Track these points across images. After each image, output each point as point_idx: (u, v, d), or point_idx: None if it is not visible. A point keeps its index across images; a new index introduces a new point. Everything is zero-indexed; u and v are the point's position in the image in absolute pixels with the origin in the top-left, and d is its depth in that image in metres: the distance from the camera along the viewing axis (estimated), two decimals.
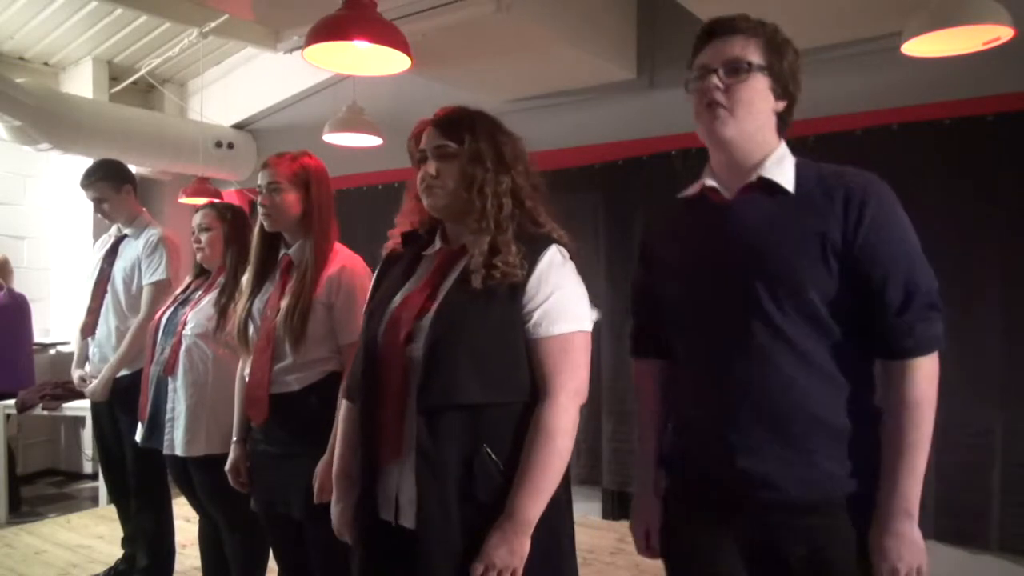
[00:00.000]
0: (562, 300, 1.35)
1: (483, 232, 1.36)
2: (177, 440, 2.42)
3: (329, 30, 1.97)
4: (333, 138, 3.72)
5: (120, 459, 3.04)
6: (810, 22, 3.02)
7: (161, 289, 2.98)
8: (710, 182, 1.33)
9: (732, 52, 1.25)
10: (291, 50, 4.14)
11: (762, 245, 1.24)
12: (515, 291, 1.32)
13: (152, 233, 3.11)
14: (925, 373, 1.22)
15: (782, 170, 1.27)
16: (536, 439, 1.32)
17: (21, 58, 5.08)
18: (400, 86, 3.98)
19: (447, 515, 1.30)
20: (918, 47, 2.35)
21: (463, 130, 1.39)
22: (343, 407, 1.62)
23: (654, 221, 1.52)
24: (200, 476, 2.41)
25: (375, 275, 1.59)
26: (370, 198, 4.72)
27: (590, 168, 4.01)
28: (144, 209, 3.25)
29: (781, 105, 1.29)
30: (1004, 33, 2.23)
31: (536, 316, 1.34)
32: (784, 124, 1.32)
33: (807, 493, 1.23)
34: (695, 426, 1.36)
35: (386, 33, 2.01)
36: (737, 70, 1.24)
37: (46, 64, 5.25)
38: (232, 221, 2.54)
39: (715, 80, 1.24)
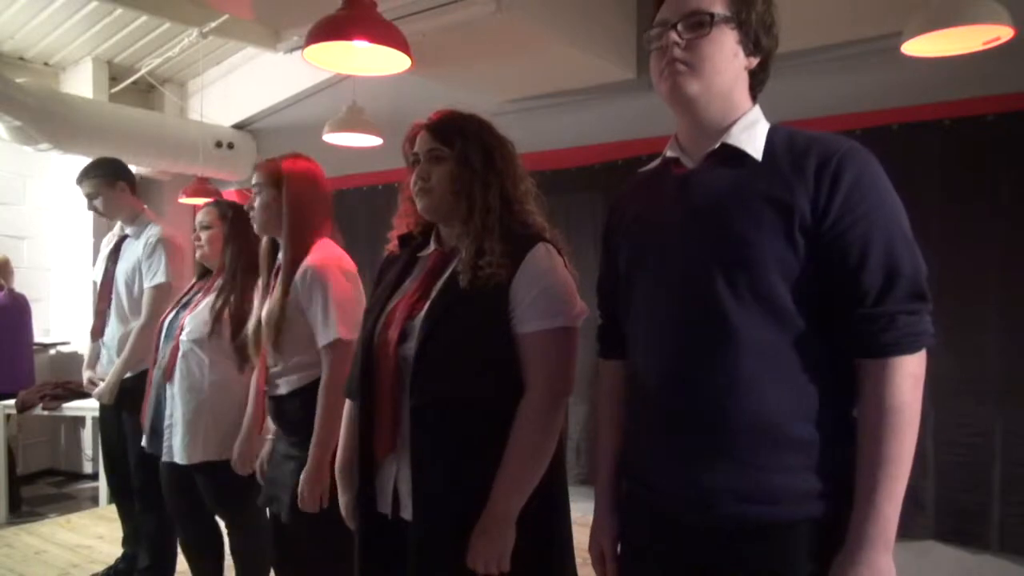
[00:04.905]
0: (547, 297, 1.38)
1: (471, 234, 1.40)
2: (176, 447, 2.41)
3: (329, 30, 1.97)
4: (333, 138, 3.72)
5: (123, 460, 3.04)
6: (810, 22, 3.02)
7: (162, 292, 2.94)
8: (671, 152, 1.20)
9: (692, 3, 1.10)
10: (291, 50, 4.14)
11: (717, 219, 1.08)
12: (501, 290, 1.36)
13: (151, 233, 3.04)
14: (908, 375, 1.02)
15: (751, 136, 1.12)
16: (518, 433, 1.36)
17: (21, 58, 5.08)
18: (400, 86, 3.97)
19: (441, 508, 1.35)
20: (918, 47, 2.35)
21: (454, 134, 1.43)
22: (346, 404, 1.64)
23: (614, 204, 1.34)
24: (203, 481, 2.41)
25: (381, 269, 1.60)
26: (370, 198, 4.72)
27: (590, 168, 4.01)
28: (145, 207, 3.20)
29: (754, 62, 1.14)
30: (1004, 33, 2.23)
31: (520, 313, 1.37)
32: (759, 83, 1.17)
33: (752, 515, 1.05)
34: (636, 431, 1.22)
35: (386, 33, 2.01)
36: (699, 24, 1.09)
37: (46, 64, 5.25)
38: (233, 220, 2.51)
39: (674, 36, 1.10)
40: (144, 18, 4.53)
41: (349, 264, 2.00)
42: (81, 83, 5.13)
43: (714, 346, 1.06)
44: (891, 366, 1.02)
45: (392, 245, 1.60)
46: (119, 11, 4.39)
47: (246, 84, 5.25)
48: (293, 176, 2.00)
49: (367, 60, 2.22)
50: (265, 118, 5.37)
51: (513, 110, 4.14)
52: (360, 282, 2.01)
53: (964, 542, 3.03)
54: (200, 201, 4.36)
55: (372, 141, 3.76)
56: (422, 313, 1.39)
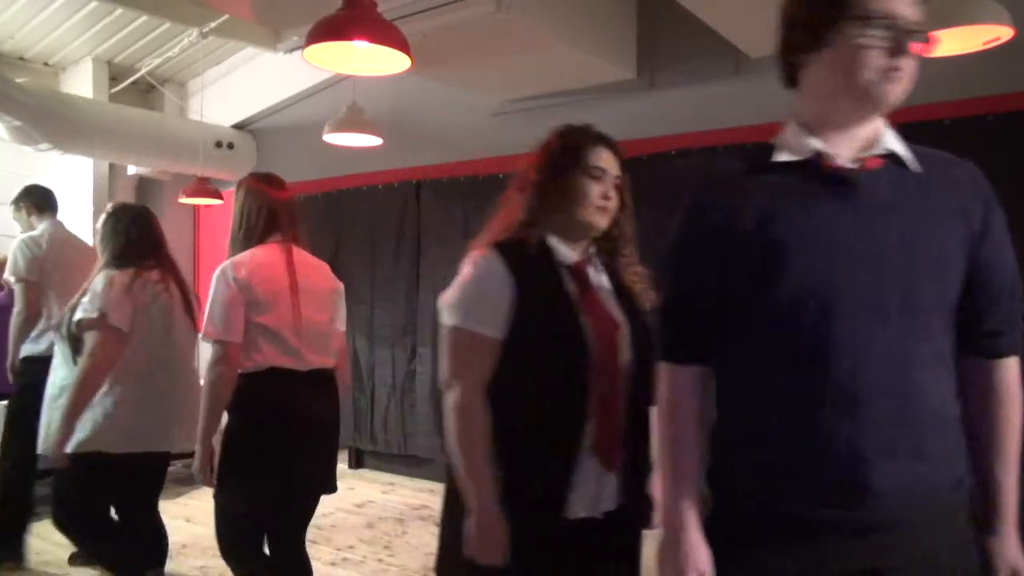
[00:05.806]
0: None
1: (627, 253, 1.65)
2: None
3: (329, 30, 1.98)
4: (333, 138, 3.72)
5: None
6: None
7: (22, 286, 3.15)
8: (820, 146, 1.12)
9: (916, 12, 1.07)
10: (291, 50, 4.15)
11: (917, 229, 1.09)
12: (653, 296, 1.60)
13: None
14: (1019, 369, 1.19)
15: (899, 144, 1.15)
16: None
17: (21, 58, 5.09)
18: (400, 86, 3.98)
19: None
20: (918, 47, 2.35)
21: (622, 165, 1.63)
22: (484, 418, 1.48)
23: (719, 194, 1.18)
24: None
25: (512, 272, 1.49)
26: (370, 198, 4.71)
27: None
28: (39, 224, 3.37)
29: None
30: (1004, 33, 2.23)
31: None
32: None
33: (934, 502, 1.09)
34: (788, 438, 1.11)
35: (386, 33, 2.01)
36: (926, 39, 1.08)
37: (46, 64, 5.26)
38: (105, 220, 2.49)
39: (918, 45, 1.08)
40: (144, 18, 4.54)
41: (246, 271, 2.06)
42: (81, 83, 5.13)
43: (909, 347, 1.08)
44: (1012, 365, 1.17)
45: (505, 238, 1.54)
46: (119, 11, 4.40)
47: (246, 84, 5.25)
48: (236, 193, 2.20)
49: (367, 60, 2.22)
50: (265, 118, 5.37)
51: (513, 110, 4.14)
52: (256, 286, 2.05)
53: None
54: (200, 201, 4.37)
55: (372, 141, 3.76)
56: (625, 329, 1.55)
